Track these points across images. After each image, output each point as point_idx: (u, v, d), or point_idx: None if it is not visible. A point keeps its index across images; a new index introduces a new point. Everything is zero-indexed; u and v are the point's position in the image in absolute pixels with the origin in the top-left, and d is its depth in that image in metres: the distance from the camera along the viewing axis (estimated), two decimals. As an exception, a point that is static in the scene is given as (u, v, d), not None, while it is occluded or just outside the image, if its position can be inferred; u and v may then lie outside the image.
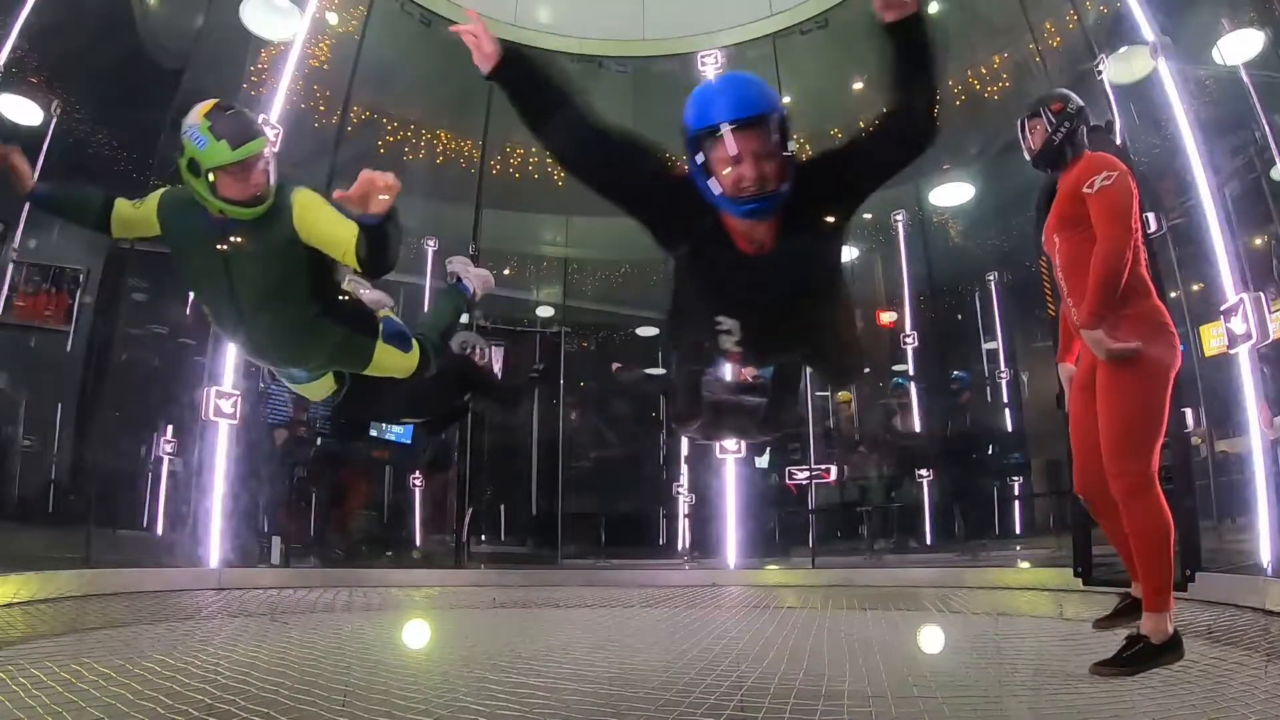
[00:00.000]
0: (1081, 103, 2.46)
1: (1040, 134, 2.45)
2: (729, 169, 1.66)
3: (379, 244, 2.09)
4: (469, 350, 3.87)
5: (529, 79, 1.83)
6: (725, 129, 1.65)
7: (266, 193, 2.18)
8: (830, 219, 1.83)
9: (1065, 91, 2.52)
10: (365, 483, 6.73)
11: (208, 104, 2.17)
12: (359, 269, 2.18)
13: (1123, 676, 2.09)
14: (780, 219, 1.75)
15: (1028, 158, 2.53)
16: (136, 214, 2.34)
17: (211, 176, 2.12)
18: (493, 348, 4.02)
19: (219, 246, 2.22)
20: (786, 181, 1.68)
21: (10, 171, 2.29)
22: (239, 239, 2.21)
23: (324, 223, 2.20)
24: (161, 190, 2.36)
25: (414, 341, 2.64)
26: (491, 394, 3.91)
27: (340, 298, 2.49)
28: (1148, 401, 2.17)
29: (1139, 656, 2.13)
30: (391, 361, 2.55)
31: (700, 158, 1.70)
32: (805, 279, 1.85)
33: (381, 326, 2.52)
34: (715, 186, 1.68)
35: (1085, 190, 2.28)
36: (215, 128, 2.11)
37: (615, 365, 7.92)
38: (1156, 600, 2.15)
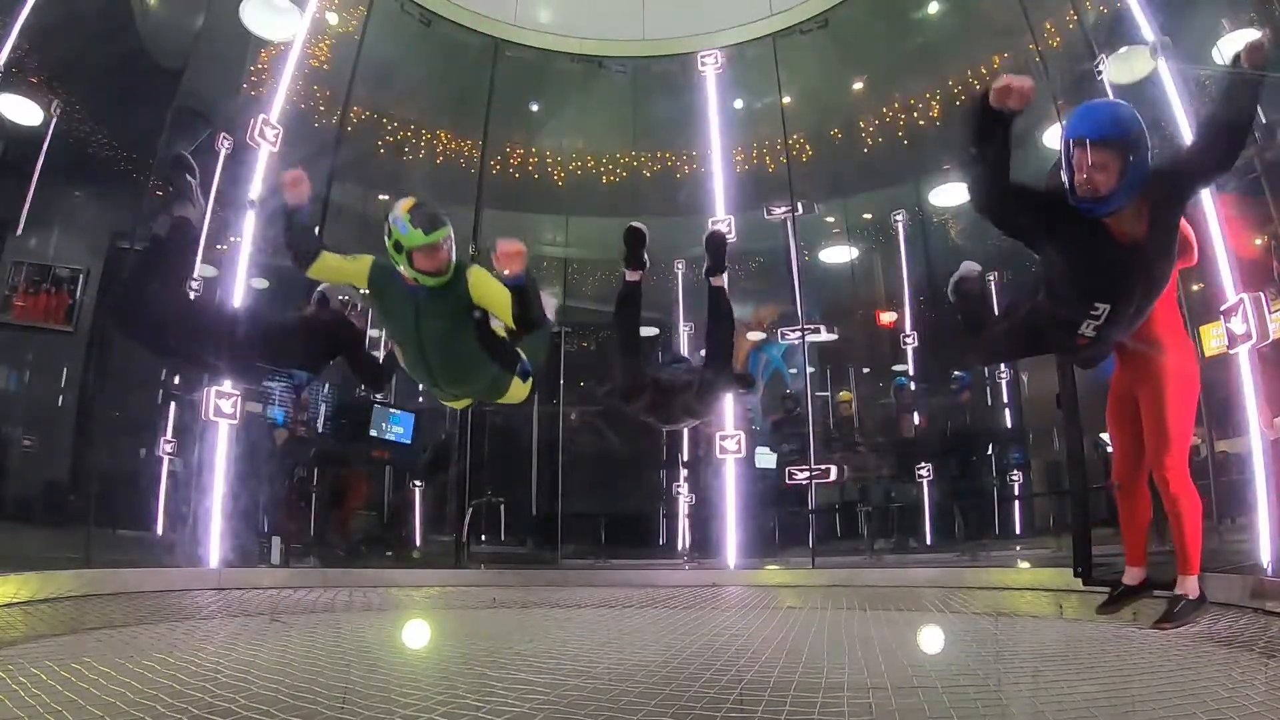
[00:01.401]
0: None
1: None
2: (1073, 173, 2.21)
3: (522, 301, 2.81)
4: (348, 308, 3.63)
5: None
6: (1072, 143, 2.21)
7: (449, 267, 2.88)
8: (1171, 216, 2.29)
9: None
10: (365, 483, 6.73)
11: (409, 201, 2.86)
12: (515, 325, 2.87)
13: (1180, 629, 2.74)
14: (1149, 214, 2.23)
15: None
16: (348, 266, 3.02)
17: (409, 254, 2.81)
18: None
19: (412, 303, 2.93)
20: (1118, 191, 2.17)
21: (296, 186, 2.99)
22: (427, 298, 2.91)
23: (492, 290, 2.88)
24: (373, 257, 3.01)
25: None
26: (358, 366, 3.69)
27: (496, 342, 3.08)
28: (1190, 411, 2.93)
29: (1185, 611, 2.82)
30: (517, 392, 3.21)
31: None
32: (1163, 266, 2.34)
33: (520, 365, 3.14)
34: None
35: None
36: (414, 219, 2.80)
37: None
38: (1193, 565, 2.88)
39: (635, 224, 3.65)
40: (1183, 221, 2.69)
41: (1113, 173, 2.15)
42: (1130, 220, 2.25)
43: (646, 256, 3.64)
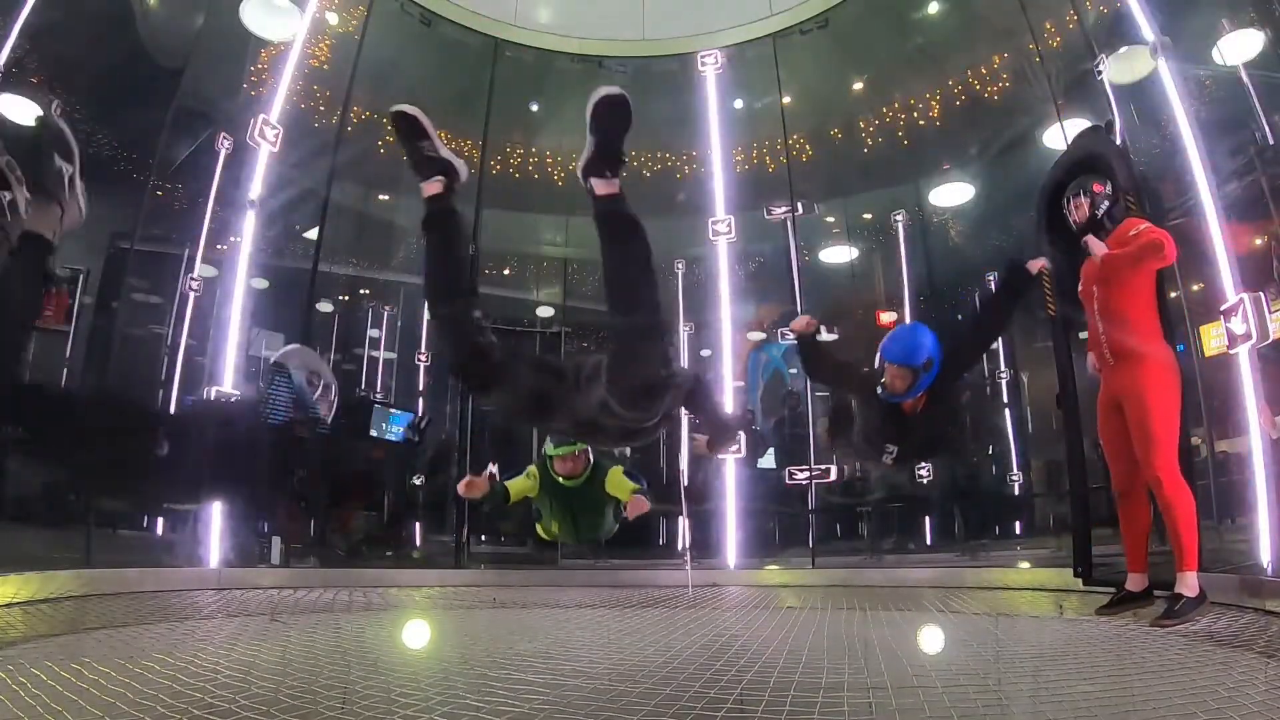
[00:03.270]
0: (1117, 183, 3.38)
1: (1084, 209, 3.30)
2: (885, 378, 3.24)
3: (646, 494, 3.88)
4: (313, 384, 2.33)
5: None
6: (886, 362, 3.23)
7: (583, 470, 3.94)
8: (945, 396, 3.34)
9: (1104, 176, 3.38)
10: (365, 483, 6.73)
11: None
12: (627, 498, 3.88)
13: (1180, 625, 2.81)
14: (925, 396, 3.26)
15: (1074, 227, 3.35)
16: (527, 483, 4.03)
17: (552, 461, 3.91)
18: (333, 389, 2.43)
19: (567, 495, 4.00)
20: (914, 391, 3.21)
21: (477, 487, 3.81)
22: (574, 490, 3.97)
23: (621, 487, 3.92)
24: (535, 467, 4.03)
25: None
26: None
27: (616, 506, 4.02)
28: (1171, 413, 3.09)
29: (1185, 608, 2.89)
30: (614, 528, 4.18)
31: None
32: (937, 427, 3.42)
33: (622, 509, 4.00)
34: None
35: (1131, 234, 3.18)
36: (552, 439, 3.88)
37: None
38: (1190, 561, 2.96)
39: (402, 106, 2.32)
40: (1148, 226, 3.22)
41: (907, 382, 3.19)
42: (914, 400, 3.28)
43: (448, 156, 2.34)
